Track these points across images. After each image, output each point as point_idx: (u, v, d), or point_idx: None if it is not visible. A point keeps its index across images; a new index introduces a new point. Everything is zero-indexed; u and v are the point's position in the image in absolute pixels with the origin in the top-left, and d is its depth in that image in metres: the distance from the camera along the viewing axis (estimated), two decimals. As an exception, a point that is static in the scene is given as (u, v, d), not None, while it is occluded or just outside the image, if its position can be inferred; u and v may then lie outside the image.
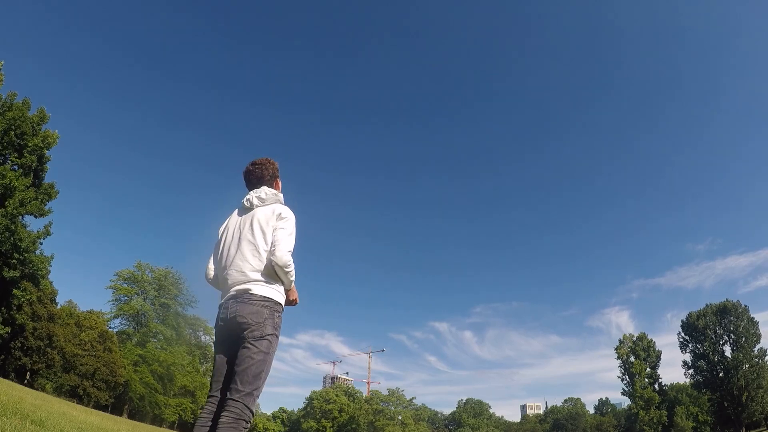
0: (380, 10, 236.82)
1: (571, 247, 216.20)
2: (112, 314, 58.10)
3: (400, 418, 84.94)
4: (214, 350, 3.21)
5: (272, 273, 3.12)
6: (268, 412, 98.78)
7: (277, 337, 3.07)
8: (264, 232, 3.17)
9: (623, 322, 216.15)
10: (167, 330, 59.26)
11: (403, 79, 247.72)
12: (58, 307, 51.87)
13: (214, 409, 3.01)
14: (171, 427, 58.42)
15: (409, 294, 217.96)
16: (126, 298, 58.98)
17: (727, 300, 67.92)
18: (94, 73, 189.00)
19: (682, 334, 69.37)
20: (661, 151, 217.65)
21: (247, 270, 3.10)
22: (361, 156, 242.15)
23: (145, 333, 58.31)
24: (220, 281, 3.30)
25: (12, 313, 32.75)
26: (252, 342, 2.94)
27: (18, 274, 29.83)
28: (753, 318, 65.47)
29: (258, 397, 2.97)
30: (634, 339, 77.28)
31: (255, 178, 3.50)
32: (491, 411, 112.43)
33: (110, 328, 56.66)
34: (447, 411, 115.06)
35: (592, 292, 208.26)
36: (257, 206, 3.32)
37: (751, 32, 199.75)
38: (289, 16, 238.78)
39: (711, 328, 66.36)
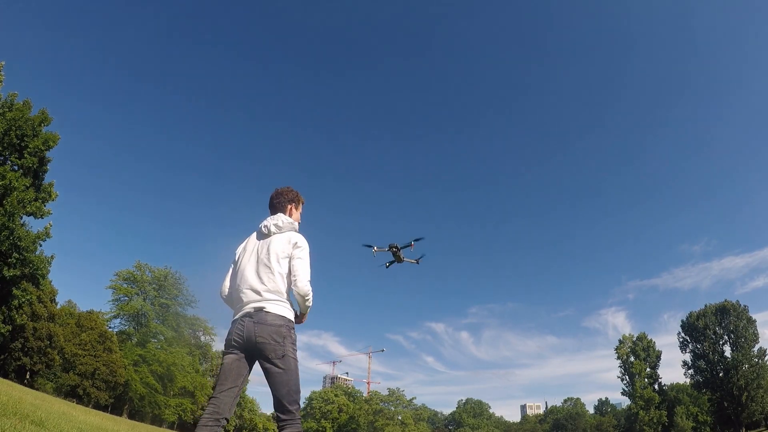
0: (380, 16, 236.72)
1: (566, 249, 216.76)
2: (112, 314, 58.06)
3: (400, 418, 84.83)
4: (223, 359, 3.37)
5: (284, 294, 3.39)
6: (268, 412, 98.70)
7: (296, 350, 3.33)
8: (280, 258, 3.43)
9: (620, 323, 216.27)
10: (167, 330, 59.16)
11: (404, 86, 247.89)
12: (58, 307, 51.87)
13: (216, 410, 3.16)
14: (171, 427, 58.38)
15: (405, 295, 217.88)
16: (126, 298, 58.89)
17: (726, 300, 67.93)
18: (94, 77, 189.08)
19: (682, 334, 69.35)
20: (657, 153, 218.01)
21: (262, 290, 3.34)
22: (360, 161, 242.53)
23: (145, 333, 58.22)
24: (234, 300, 3.50)
25: (12, 313, 32.71)
26: (280, 364, 3.18)
27: (18, 273, 29.78)
28: (752, 318, 65.53)
29: (300, 401, 3.28)
30: (634, 339, 77.20)
31: (275, 198, 3.83)
32: (491, 411, 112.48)
33: (110, 328, 56.64)
34: (446, 411, 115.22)
35: (587, 293, 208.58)
36: (274, 233, 3.57)
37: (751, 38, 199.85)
38: (288, 22, 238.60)
39: (711, 328, 66.32)
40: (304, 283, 3.36)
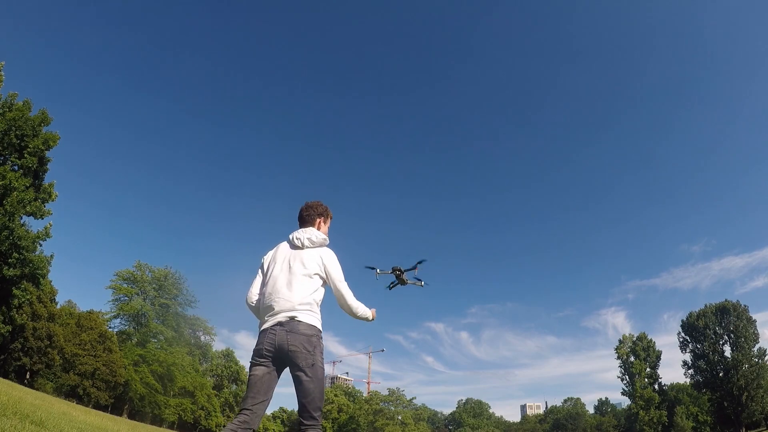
0: (389, 24, 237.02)
1: (566, 249, 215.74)
2: (112, 314, 58.15)
3: (400, 418, 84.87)
4: (252, 369, 3.43)
5: (315, 305, 3.52)
6: (268, 412, 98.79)
7: (323, 359, 3.48)
8: (312, 274, 3.55)
9: (620, 323, 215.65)
10: (167, 330, 59.25)
11: (404, 88, 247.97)
12: (58, 307, 51.91)
13: (248, 420, 3.23)
14: (171, 427, 58.35)
15: (405, 294, 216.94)
16: (126, 298, 58.97)
17: (726, 300, 67.97)
18: (95, 77, 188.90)
19: (682, 334, 69.38)
20: (656, 155, 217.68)
21: (295, 300, 3.44)
22: (358, 163, 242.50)
23: (145, 333, 58.30)
24: (263, 308, 3.56)
25: (12, 313, 32.73)
26: (308, 372, 3.30)
27: (18, 273, 29.81)
28: (752, 318, 65.56)
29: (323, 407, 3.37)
30: (634, 339, 77.27)
31: (305, 211, 3.92)
32: (491, 411, 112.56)
33: (110, 328, 56.71)
34: (446, 411, 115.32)
35: (586, 293, 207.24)
36: (307, 247, 3.66)
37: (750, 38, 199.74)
38: (301, 30, 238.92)
39: (711, 327, 66.36)
40: (354, 304, 3.66)
